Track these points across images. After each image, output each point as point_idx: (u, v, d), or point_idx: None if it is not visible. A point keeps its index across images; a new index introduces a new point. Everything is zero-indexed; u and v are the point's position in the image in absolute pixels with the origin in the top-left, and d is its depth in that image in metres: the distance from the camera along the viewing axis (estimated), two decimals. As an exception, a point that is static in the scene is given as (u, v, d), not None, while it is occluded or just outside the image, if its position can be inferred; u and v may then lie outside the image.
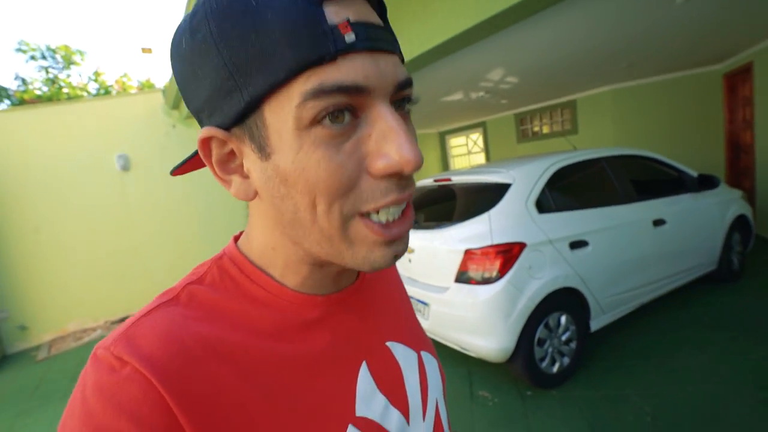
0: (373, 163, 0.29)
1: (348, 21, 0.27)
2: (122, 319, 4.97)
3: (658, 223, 2.70)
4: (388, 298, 0.47)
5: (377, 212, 0.31)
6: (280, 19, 0.26)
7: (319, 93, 0.26)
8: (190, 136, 5.50)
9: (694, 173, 3.11)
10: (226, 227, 5.57)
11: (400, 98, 0.32)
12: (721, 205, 3.18)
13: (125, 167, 5.05)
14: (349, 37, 0.27)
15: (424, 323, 2.38)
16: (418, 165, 0.29)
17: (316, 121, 0.27)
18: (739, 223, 3.31)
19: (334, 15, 0.27)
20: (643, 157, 3.01)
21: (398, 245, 0.33)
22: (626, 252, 2.54)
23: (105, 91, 14.67)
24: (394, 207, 0.31)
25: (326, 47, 0.26)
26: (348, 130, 0.28)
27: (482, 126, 8.00)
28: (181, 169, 0.42)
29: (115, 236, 5.02)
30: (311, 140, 0.28)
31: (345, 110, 0.28)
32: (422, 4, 2.54)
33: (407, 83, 0.31)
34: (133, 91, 14.19)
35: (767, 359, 2.25)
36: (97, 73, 14.67)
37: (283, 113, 0.28)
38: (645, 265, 2.64)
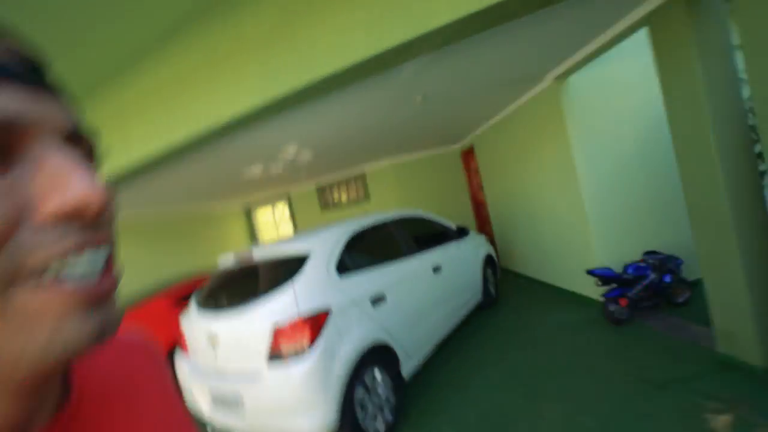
0: (42, 204, 0.23)
1: None
2: None
3: (436, 269, 3.26)
4: (133, 420, 0.37)
5: (56, 269, 0.23)
6: None
7: None
8: None
9: (454, 225, 3.98)
10: None
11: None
12: (475, 248, 4.14)
13: None
14: None
15: (242, 421, 2.06)
16: (104, 200, 0.24)
17: None
18: (489, 260, 4.37)
19: None
20: (417, 217, 3.66)
21: (104, 312, 0.25)
22: (417, 299, 2.93)
23: None
24: (85, 255, 0.24)
25: None
26: None
27: (287, 197, 8.21)
28: None
29: None
30: None
31: None
32: (207, 80, 2.51)
33: (78, 127, 0.27)
34: None
35: (522, 360, 2.93)
36: None
37: None
38: (433, 306, 3.11)
